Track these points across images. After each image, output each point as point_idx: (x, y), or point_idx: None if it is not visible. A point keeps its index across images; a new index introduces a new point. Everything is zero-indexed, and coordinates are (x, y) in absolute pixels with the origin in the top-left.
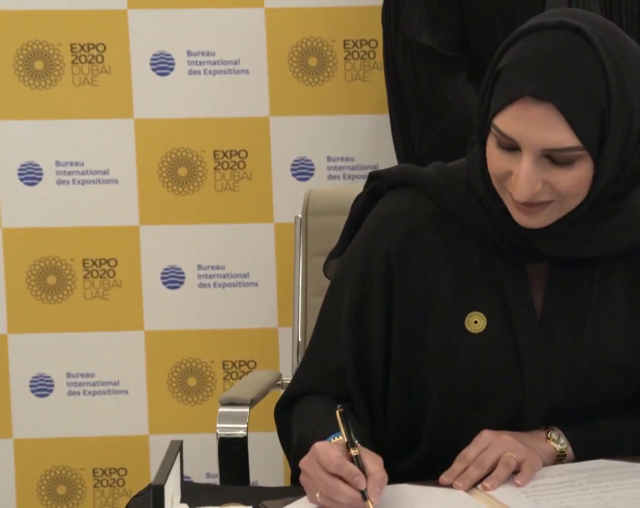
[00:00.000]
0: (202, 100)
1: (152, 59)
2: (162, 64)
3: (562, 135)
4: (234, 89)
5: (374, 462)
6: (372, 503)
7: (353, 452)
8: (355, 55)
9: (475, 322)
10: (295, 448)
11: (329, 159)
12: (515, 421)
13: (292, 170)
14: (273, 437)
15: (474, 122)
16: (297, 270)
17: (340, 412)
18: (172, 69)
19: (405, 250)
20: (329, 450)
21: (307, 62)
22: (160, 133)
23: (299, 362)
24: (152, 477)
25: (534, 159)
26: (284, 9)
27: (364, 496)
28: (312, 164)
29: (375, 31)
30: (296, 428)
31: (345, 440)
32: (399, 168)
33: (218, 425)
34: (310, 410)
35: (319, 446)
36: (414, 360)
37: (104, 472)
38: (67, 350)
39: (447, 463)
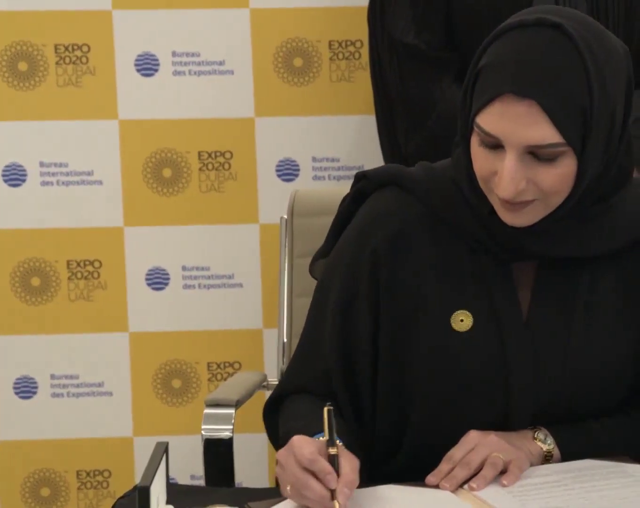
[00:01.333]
0: (187, 100)
1: (136, 60)
2: (147, 65)
3: (544, 132)
4: (219, 89)
5: (348, 464)
6: (339, 503)
7: (332, 450)
8: (341, 55)
9: (462, 320)
10: (281, 447)
11: (314, 159)
12: (502, 421)
13: (277, 171)
14: (259, 438)
15: (458, 122)
16: (282, 271)
17: (327, 410)
18: (156, 70)
19: (392, 250)
20: (305, 445)
21: (292, 63)
22: (144, 134)
23: (285, 363)
24: (136, 479)
25: (517, 157)
26: (268, 10)
27: (333, 495)
28: (298, 165)
29: (360, 31)
30: (282, 427)
31: (327, 438)
32: (385, 168)
33: (203, 427)
34: (297, 409)
35: (296, 439)
36: (401, 359)
37: (88, 474)
38: (51, 351)
39: (434, 463)
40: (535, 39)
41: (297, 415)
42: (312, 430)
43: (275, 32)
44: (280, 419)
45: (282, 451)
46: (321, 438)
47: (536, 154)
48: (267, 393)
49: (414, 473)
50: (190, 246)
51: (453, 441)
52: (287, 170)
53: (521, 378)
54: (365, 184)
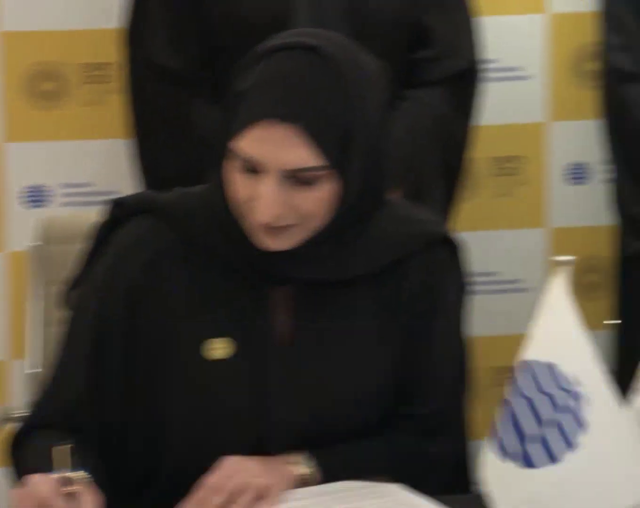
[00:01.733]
0: None
1: None
2: None
3: (303, 156)
4: None
5: (90, 501)
6: None
7: (67, 489)
8: (92, 79)
9: (217, 348)
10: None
11: (64, 185)
12: (261, 447)
13: (23, 197)
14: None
15: (215, 146)
16: (30, 301)
17: (61, 449)
18: None
19: (145, 282)
20: (41, 483)
21: (42, 87)
22: None
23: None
24: None
25: (276, 181)
26: (19, 33)
27: None
28: (48, 191)
29: (113, 54)
30: (23, 465)
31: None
32: (139, 195)
33: None
34: (37, 446)
35: (32, 477)
36: (154, 392)
37: None
38: None
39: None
40: (294, 61)
41: (36, 452)
42: (51, 468)
43: (26, 55)
44: (23, 457)
45: (17, 490)
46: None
47: (296, 178)
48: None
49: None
50: None
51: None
52: (35, 197)
53: (278, 407)
54: (118, 212)
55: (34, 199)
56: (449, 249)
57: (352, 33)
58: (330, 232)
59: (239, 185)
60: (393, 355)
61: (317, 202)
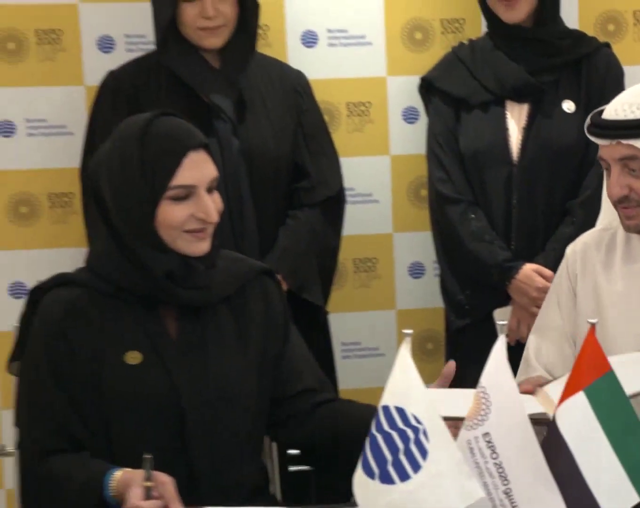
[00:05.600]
0: None
1: None
2: None
3: (213, 169)
4: None
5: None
6: None
7: (147, 483)
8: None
9: (133, 357)
10: (77, 493)
11: None
12: (178, 420)
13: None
14: None
15: (127, 209)
16: None
17: (145, 458)
18: None
19: (68, 321)
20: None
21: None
22: None
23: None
24: None
25: (205, 192)
26: None
27: None
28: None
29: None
30: (70, 483)
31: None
32: (51, 277)
33: None
34: (76, 467)
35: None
36: (96, 396)
37: None
38: None
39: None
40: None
41: (77, 470)
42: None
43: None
44: (59, 475)
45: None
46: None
47: (209, 188)
48: (6, 460)
49: None
50: None
51: (138, 451)
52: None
53: (184, 391)
54: (37, 293)
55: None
56: (272, 278)
57: (246, 167)
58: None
59: (177, 213)
60: (252, 356)
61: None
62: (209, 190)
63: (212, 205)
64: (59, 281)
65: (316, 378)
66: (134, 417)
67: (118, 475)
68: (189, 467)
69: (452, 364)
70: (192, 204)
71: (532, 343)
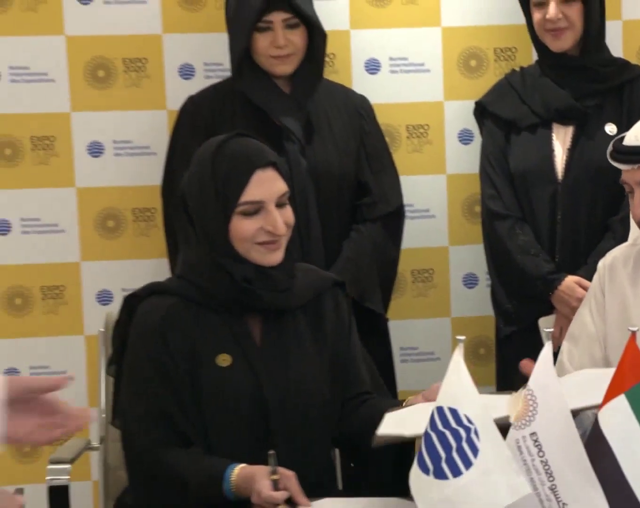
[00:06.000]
0: None
1: None
2: None
3: (282, 185)
4: None
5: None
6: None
7: (274, 476)
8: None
9: (224, 359)
10: (197, 486)
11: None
12: (262, 417)
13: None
14: (84, 484)
15: (205, 224)
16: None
17: (270, 454)
18: None
19: (165, 327)
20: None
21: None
22: None
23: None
24: None
25: (274, 207)
26: None
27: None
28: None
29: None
30: (189, 474)
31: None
32: (144, 286)
33: (47, 477)
34: (194, 461)
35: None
36: (192, 395)
37: None
38: None
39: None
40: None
41: (197, 465)
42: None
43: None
44: (178, 466)
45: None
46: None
47: (279, 203)
48: (92, 453)
49: None
50: None
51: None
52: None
53: (269, 388)
54: (132, 301)
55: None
56: (343, 289)
57: (313, 185)
58: (288, 264)
59: (248, 227)
60: (325, 359)
61: (290, 217)
62: (280, 205)
63: (279, 219)
64: (153, 290)
65: (371, 382)
66: (225, 414)
67: (238, 470)
68: None
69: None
70: (261, 218)
71: (565, 348)
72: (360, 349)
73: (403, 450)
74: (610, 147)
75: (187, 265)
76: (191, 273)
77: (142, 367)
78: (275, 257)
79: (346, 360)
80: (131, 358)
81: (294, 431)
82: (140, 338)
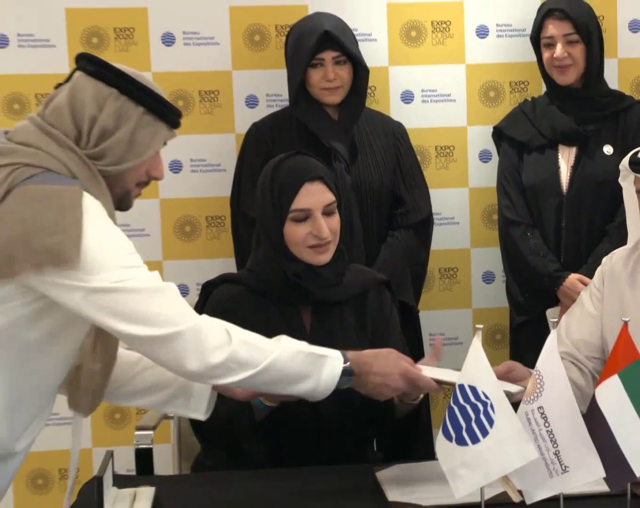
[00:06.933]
0: None
1: None
2: None
3: (330, 196)
4: None
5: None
6: None
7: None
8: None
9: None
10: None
11: None
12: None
13: None
14: (166, 447)
15: (265, 227)
16: None
17: None
18: None
19: (231, 308)
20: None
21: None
22: None
23: None
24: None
25: (321, 214)
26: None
27: None
28: None
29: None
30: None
31: None
32: (219, 276)
33: (135, 441)
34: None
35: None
36: None
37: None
38: None
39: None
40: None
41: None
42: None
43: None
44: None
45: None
46: None
47: (326, 211)
48: (171, 421)
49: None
50: None
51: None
52: None
53: None
54: (209, 286)
55: None
56: (388, 287)
57: (356, 197)
58: (338, 264)
59: (299, 231)
60: (366, 344)
61: (339, 224)
62: (327, 213)
63: (324, 225)
64: (225, 278)
65: None
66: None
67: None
68: (318, 431)
69: (438, 340)
70: (310, 224)
71: (564, 322)
72: (398, 338)
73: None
74: (628, 160)
75: (254, 260)
76: (257, 267)
77: None
78: (323, 258)
79: (382, 346)
80: None
81: (338, 408)
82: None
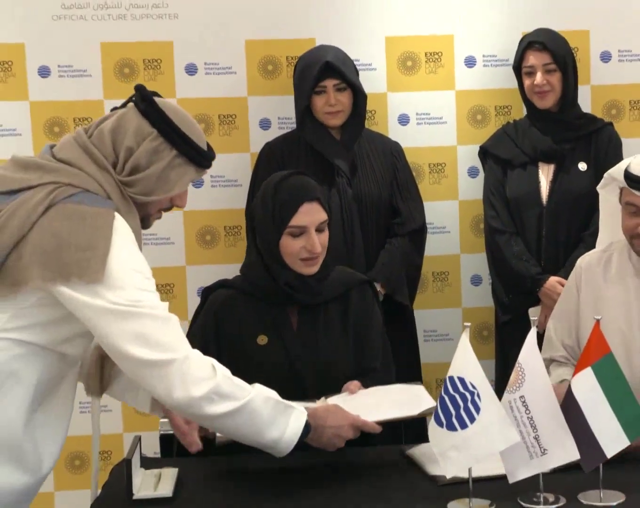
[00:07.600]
0: None
1: None
2: None
3: (323, 215)
4: None
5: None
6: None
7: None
8: (232, 232)
9: (262, 339)
10: None
11: None
12: (295, 388)
13: None
14: None
15: (263, 237)
16: None
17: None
18: None
19: (223, 309)
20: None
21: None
22: None
23: None
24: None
25: (314, 231)
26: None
27: None
28: None
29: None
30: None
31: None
32: (217, 281)
33: (159, 428)
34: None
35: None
36: (234, 365)
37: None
38: None
39: None
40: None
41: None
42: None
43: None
44: None
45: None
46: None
47: (318, 228)
48: None
49: None
50: None
51: None
52: None
53: (300, 367)
54: (206, 291)
55: None
56: (371, 286)
57: (357, 209)
58: (322, 273)
59: (294, 245)
60: (351, 341)
61: (327, 239)
62: (319, 230)
63: (317, 241)
64: (221, 283)
65: (382, 359)
66: (263, 383)
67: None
68: None
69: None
70: (304, 239)
71: (551, 325)
72: (380, 334)
73: None
74: (622, 173)
75: (247, 265)
76: (249, 272)
77: (194, 332)
78: (312, 270)
79: (364, 341)
80: (194, 327)
81: (324, 390)
82: (203, 316)
